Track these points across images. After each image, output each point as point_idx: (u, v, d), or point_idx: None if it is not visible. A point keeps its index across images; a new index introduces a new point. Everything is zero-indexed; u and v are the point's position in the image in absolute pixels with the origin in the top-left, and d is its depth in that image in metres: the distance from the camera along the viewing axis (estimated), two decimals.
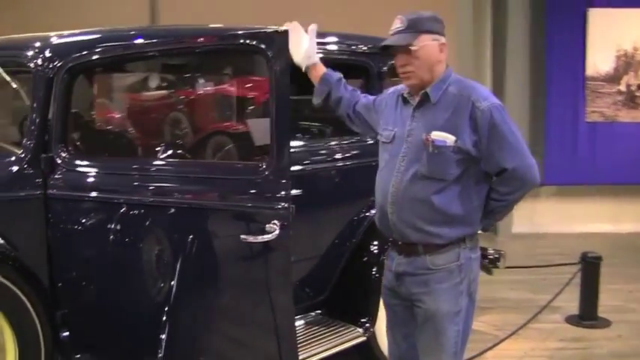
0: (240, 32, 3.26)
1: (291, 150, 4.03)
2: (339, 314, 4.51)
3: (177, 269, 3.26)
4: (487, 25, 8.34)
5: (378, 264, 4.43)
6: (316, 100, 3.42)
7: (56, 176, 3.41)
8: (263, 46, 3.15)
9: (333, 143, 4.53)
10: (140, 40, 3.51)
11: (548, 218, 8.67)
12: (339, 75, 3.43)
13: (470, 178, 2.95)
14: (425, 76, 2.96)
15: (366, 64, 4.57)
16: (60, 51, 3.46)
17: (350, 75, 5.31)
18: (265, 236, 3.07)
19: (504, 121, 2.90)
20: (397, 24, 2.98)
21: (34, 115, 3.41)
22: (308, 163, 4.26)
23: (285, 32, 3.14)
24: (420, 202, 2.94)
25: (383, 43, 3.01)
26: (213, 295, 3.35)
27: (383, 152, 3.13)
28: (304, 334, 4.28)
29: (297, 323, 4.34)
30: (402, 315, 3.16)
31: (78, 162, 3.46)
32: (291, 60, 3.23)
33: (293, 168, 4.00)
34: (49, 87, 3.39)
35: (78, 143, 3.70)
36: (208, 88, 5.20)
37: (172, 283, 3.28)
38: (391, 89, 3.29)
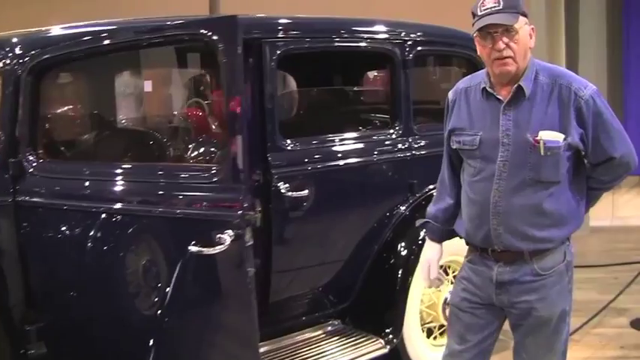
0: (184, 22, 2.96)
1: (310, 145, 3.86)
2: (362, 323, 4.15)
3: (128, 281, 3.09)
4: (561, 13, 7.75)
5: (404, 266, 4.08)
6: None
7: (25, 182, 3.21)
8: (212, 35, 2.82)
9: (357, 137, 4.14)
10: (99, 35, 3.28)
11: (630, 211, 8.05)
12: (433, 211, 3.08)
13: (574, 175, 2.76)
14: (521, 63, 2.68)
15: (390, 52, 4.15)
16: (24, 49, 3.26)
17: (371, 65, 5.06)
18: (214, 248, 2.78)
19: (606, 107, 2.73)
20: (491, 3, 2.64)
21: (2, 118, 3.21)
22: (330, 159, 3.92)
23: (235, 17, 2.79)
24: (530, 209, 2.72)
25: (484, 22, 2.63)
26: (159, 310, 3.06)
27: (469, 159, 2.83)
28: (320, 346, 3.96)
29: (315, 333, 4.06)
30: (484, 318, 2.91)
31: (45, 167, 3.25)
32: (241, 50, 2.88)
33: (313, 165, 3.79)
34: (15, 87, 3.20)
35: (47, 147, 3.47)
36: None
37: (124, 295, 3.11)
38: (452, 90, 2.96)
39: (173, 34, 3.10)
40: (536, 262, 2.76)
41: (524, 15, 2.69)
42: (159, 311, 3.04)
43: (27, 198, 3.21)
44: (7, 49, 3.29)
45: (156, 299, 3.06)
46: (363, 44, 4.10)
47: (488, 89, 2.76)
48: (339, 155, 3.96)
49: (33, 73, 3.20)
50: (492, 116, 2.75)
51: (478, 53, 2.75)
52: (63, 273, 3.27)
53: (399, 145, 4.19)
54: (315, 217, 3.87)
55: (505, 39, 2.63)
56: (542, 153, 2.65)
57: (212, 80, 4.60)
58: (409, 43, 4.21)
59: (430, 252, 3.08)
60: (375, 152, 4.11)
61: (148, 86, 4.64)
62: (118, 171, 3.23)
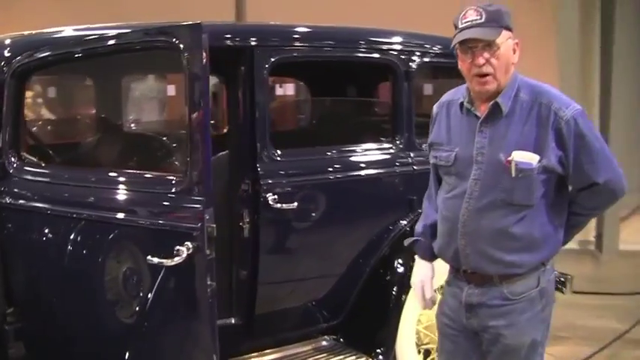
0: (149, 29, 2.91)
1: (302, 156, 3.77)
2: (354, 341, 4.04)
3: (95, 287, 3.05)
4: (595, 32, 7.52)
5: (399, 283, 3.96)
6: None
7: (6, 184, 3.24)
8: (175, 42, 2.76)
9: (354, 150, 4.04)
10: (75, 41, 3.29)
11: None
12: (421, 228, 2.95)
13: (552, 198, 2.61)
14: (502, 79, 2.56)
15: (391, 62, 4.05)
16: (7, 53, 3.29)
17: (372, 76, 4.94)
18: (172, 260, 2.69)
19: (590, 129, 2.57)
20: (473, 15, 2.53)
21: None
22: (323, 172, 3.83)
23: (199, 25, 2.73)
24: (498, 232, 2.58)
25: (463, 37, 2.53)
26: (123, 318, 3.04)
27: (445, 175, 2.75)
28: None
29: (304, 348, 3.97)
30: (464, 346, 2.78)
31: (27, 169, 3.28)
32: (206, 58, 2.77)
33: (304, 177, 3.71)
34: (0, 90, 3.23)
35: (29, 150, 3.49)
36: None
37: (92, 299, 3.08)
38: (437, 103, 2.86)
39: (140, 41, 3.05)
40: (505, 286, 2.62)
41: (508, 29, 2.56)
42: (122, 318, 3.01)
43: (8, 199, 3.22)
44: None
45: (119, 307, 3.03)
46: (363, 54, 4.01)
47: (466, 104, 2.66)
48: (334, 168, 3.87)
49: (16, 77, 3.22)
50: (469, 133, 2.64)
51: (459, 67, 2.64)
52: (38, 274, 3.27)
53: (400, 160, 4.08)
54: (304, 230, 3.79)
55: (486, 54, 2.52)
56: (513, 174, 2.52)
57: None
58: (412, 53, 4.11)
59: (422, 271, 2.94)
60: (374, 166, 4.02)
61: (132, 91, 4.62)
62: (90, 177, 3.21)
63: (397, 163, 4.07)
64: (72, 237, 3.08)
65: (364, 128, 4.63)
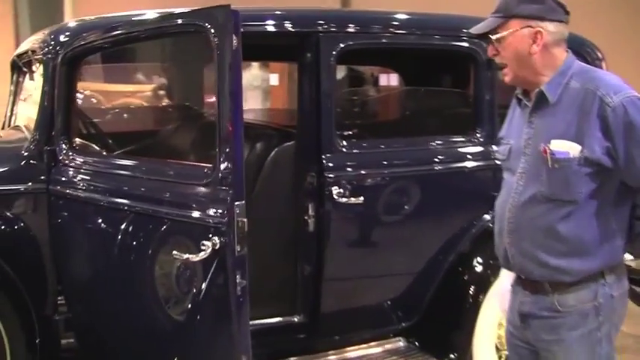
0: (177, 13, 2.80)
1: (371, 148, 3.59)
2: (428, 344, 3.82)
3: (133, 279, 3.00)
4: None
5: (478, 284, 3.73)
6: None
7: (56, 171, 3.24)
8: (205, 24, 2.62)
9: (429, 143, 3.81)
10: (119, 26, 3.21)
11: None
12: None
13: (606, 196, 2.31)
14: (520, 71, 2.36)
15: (473, 50, 3.77)
16: (57, 39, 3.30)
17: (451, 66, 4.63)
18: (197, 255, 2.57)
19: None
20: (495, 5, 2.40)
21: (41, 106, 3.28)
22: (393, 165, 3.63)
23: (227, 7, 2.57)
24: (542, 231, 2.33)
25: (471, 30, 2.47)
26: (153, 312, 2.96)
27: (503, 171, 2.55)
28: None
29: (375, 350, 3.78)
30: (527, 359, 2.53)
31: (76, 157, 3.25)
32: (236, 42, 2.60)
33: (372, 170, 3.53)
34: (52, 76, 3.23)
35: (80, 137, 3.46)
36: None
37: (130, 293, 3.04)
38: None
39: (173, 24, 2.94)
40: (557, 296, 2.34)
41: (521, 16, 2.32)
42: (158, 313, 2.95)
43: (57, 187, 3.22)
44: (48, 39, 3.34)
45: (156, 302, 2.96)
46: (438, 42, 3.76)
47: (519, 95, 2.46)
48: (405, 161, 3.66)
49: (66, 62, 3.21)
50: (520, 124, 2.43)
51: None
52: (85, 265, 3.25)
53: (481, 153, 3.82)
54: (373, 226, 3.62)
55: (491, 47, 2.38)
56: (550, 164, 2.27)
57: None
58: None
59: (506, 280, 2.67)
60: (451, 159, 3.77)
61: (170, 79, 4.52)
62: (129, 165, 3.18)
63: (478, 157, 3.81)
64: (118, 228, 3.03)
65: (441, 120, 4.38)
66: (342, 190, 3.42)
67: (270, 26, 3.44)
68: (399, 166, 3.64)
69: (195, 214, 2.69)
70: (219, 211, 2.60)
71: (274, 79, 6.93)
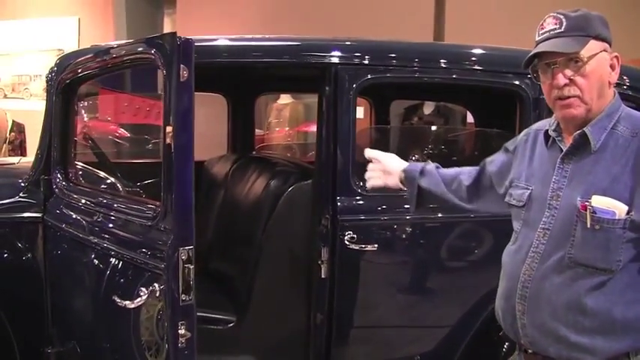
0: (137, 43, 2.61)
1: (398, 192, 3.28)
2: None
3: (107, 316, 2.87)
4: None
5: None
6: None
7: (52, 201, 3.22)
8: (155, 54, 2.44)
9: None
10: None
11: None
12: (421, 165, 2.56)
13: None
14: (594, 103, 2.02)
15: (518, 88, 3.38)
16: (59, 67, 3.28)
17: (493, 105, 4.16)
18: (132, 302, 2.41)
19: None
20: (551, 24, 2.05)
21: (41, 135, 3.29)
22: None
23: (173, 35, 2.35)
24: (565, 302, 2.01)
25: (537, 50, 2.06)
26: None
27: (515, 220, 2.21)
28: None
29: None
30: None
31: (68, 188, 3.21)
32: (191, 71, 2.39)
33: (391, 215, 3.24)
34: (50, 105, 3.25)
35: (74, 168, 3.38)
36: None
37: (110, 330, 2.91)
38: (523, 132, 2.35)
39: (132, 56, 2.78)
40: None
41: (601, 39, 2.00)
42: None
43: (50, 218, 3.19)
44: (54, 66, 3.33)
45: (125, 344, 2.81)
46: (475, 77, 3.40)
47: (551, 133, 2.11)
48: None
49: (62, 91, 3.19)
50: (548, 168, 2.09)
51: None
52: (71, 300, 3.18)
53: None
54: (388, 276, 3.33)
55: (568, 72, 1.99)
56: (589, 224, 1.92)
57: None
58: None
59: (396, 163, 2.58)
60: None
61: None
62: (100, 200, 3.07)
63: None
64: (93, 265, 2.94)
65: (472, 162, 4.00)
66: (355, 236, 3.16)
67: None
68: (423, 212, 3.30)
69: (140, 255, 2.53)
70: (160, 255, 2.41)
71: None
